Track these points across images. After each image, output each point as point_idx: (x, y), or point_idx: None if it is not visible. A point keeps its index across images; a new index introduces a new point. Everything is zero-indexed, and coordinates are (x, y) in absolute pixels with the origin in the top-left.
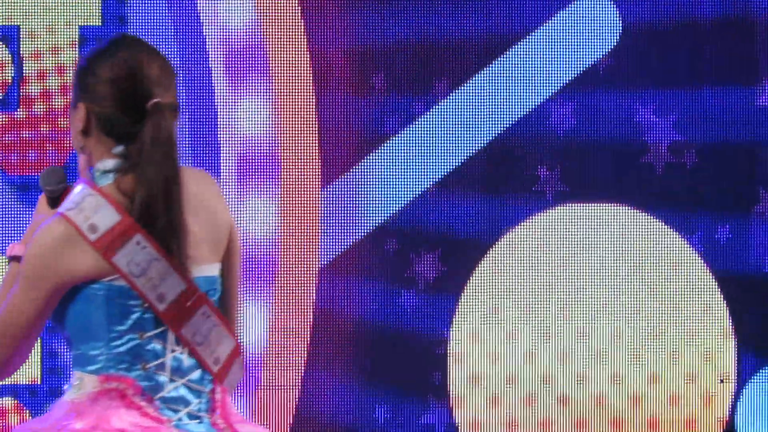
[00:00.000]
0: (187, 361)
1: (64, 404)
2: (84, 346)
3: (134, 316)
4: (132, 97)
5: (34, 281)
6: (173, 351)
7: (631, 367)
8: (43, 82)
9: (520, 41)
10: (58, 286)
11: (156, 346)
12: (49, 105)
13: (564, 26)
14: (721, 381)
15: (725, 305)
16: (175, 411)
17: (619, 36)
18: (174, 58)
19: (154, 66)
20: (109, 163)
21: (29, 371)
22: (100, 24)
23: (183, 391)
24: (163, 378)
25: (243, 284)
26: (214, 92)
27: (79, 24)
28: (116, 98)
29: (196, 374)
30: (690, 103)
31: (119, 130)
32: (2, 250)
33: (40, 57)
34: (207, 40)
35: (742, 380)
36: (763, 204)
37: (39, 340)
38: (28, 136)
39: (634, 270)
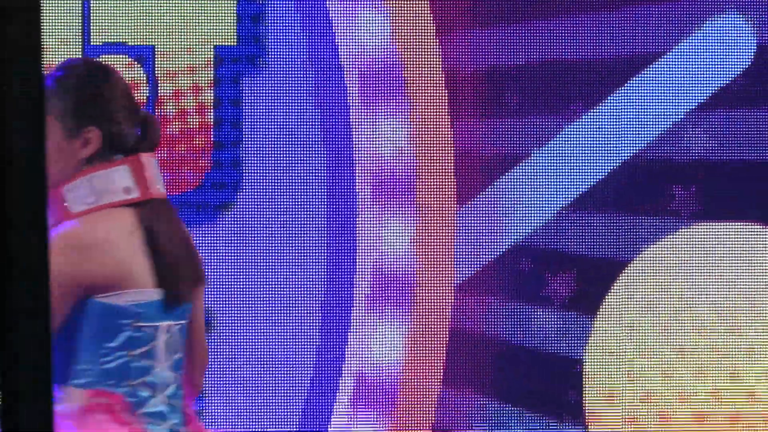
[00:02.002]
0: (165, 375)
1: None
2: (72, 360)
3: (125, 334)
4: (134, 111)
5: None
6: (156, 367)
7: (765, 385)
8: (179, 102)
9: (655, 61)
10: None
11: (144, 363)
12: (184, 124)
13: (698, 45)
14: None
15: None
16: (157, 426)
17: (754, 54)
18: (309, 75)
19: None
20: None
21: None
22: (234, 44)
23: (161, 407)
24: (146, 394)
25: (379, 304)
26: (349, 110)
27: (214, 44)
28: (124, 114)
29: (171, 389)
30: None
31: (128, 145)
32: None
33: (175, 77)
34: (342, 58)
35: None
36: None
37: None
38: (164, 156)
39: None
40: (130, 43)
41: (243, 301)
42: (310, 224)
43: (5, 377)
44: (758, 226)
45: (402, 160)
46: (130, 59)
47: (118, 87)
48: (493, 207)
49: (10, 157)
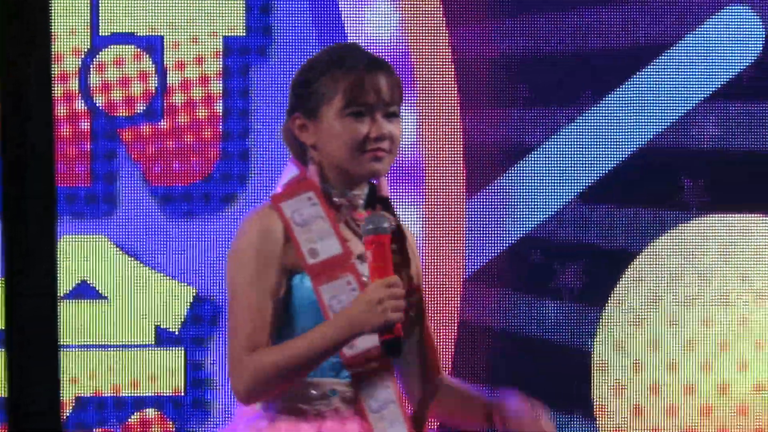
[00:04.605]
0: None
1: None
2: None
3: None
4: None
5: None
6: None
7: None
8: (188, 93)
9: (664, 52)
10: None
11: None
12: (193, 115)
13: (707, 37)
14: None
15: None
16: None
17: (762, 46)
18: None
19: None
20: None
21: (173, 382)
22: (244, 34)
23: None
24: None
25: None
26: None
27: (224, 34)
28: None
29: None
30: None
31: None
32: (141, 257)
33: (184, 67)
34: None
35: None
36: None
37: (183, 351)
38: (172, 147)
39: None
40: (138, 34)
41: None
42: None
43: (13, 360)
44: (767, 219)
45: (411, 151)
46: (138, 50)
47: None
48: (503, 198)
49: (20, 149)
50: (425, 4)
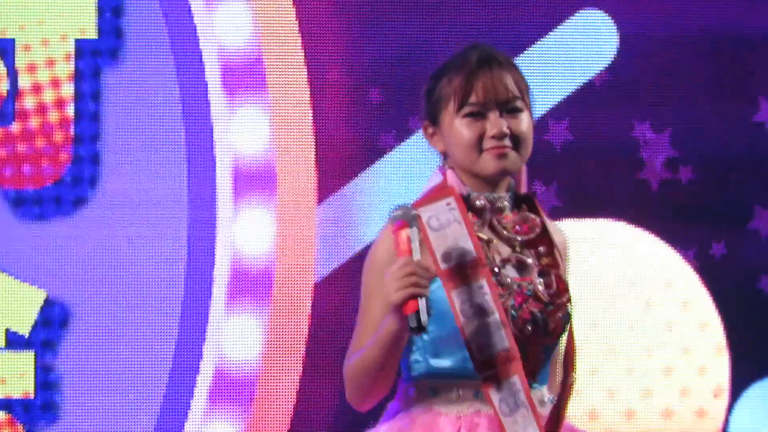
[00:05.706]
0: None
1: None
2: None
3: None
4: None
5: None
6: None
7: (625, 381)
8: (39, 96)
9: (517, 56)
10: None
11: None
12: (44, 118)
13: (561, 41)
14: (715, 396)
15: (720, 320)
16: None
17: (616, 51)
18: (170, 71)
19: None
20: None
21: (22, 385)
22: (96, 37)
23: None
24: None
25: (238, 300)
26: (210, 105)
27: (75, 37)
28: None
29: None
30: (686, 119)
31: None
32: None
33: (36, 70)
34: (203, 53)
35: (735, 395)
36: (757, 220)
37: (33, 354)
38: (23, 150)
39: (630, 285)
40: None
41: (100, 296)
42: (168, 219)
43: None
44: (619, 223)
45: (263, 155)
46: None
47: None
48: (354, 202)
49: None
50: (277, 5)
